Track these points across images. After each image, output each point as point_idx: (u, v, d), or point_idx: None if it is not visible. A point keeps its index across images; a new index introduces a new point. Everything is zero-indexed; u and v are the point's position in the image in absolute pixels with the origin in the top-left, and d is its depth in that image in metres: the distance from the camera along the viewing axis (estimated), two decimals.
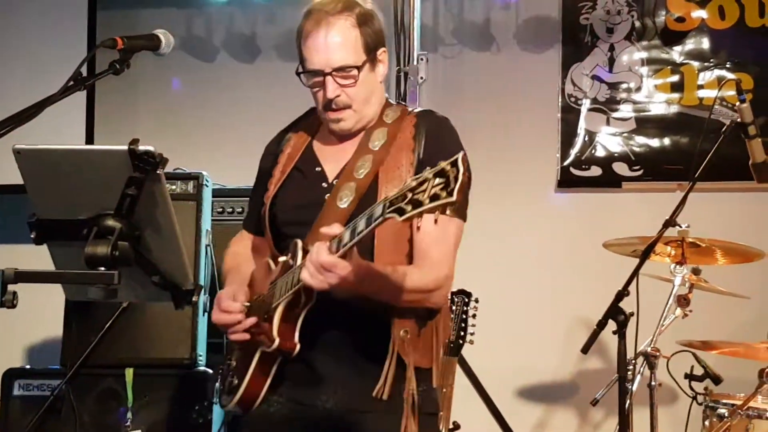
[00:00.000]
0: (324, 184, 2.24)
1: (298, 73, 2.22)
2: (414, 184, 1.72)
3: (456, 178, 1.63)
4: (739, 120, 2.89)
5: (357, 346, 2.14)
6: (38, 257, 1.97)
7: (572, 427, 4.27)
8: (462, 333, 3.09)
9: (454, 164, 1.64)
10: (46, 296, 2.72)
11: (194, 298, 1.94)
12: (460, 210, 2.08)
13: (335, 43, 2.13)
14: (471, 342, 3.18)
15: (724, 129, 2.96)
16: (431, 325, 2.21)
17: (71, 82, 1.88)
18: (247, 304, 2.22)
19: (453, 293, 3.04)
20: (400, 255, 2.11)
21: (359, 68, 2.14)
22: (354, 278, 1.91)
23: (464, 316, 3.11)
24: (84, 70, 1.91)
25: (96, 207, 1.73)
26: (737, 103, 2.90)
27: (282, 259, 2.19)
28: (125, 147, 1.72)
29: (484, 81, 4.45)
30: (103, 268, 1.63)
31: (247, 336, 2.16)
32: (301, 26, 2.19)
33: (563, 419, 4.25)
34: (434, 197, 1.64)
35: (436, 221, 1.70)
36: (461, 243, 2.25)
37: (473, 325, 3.13)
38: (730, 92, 3.86)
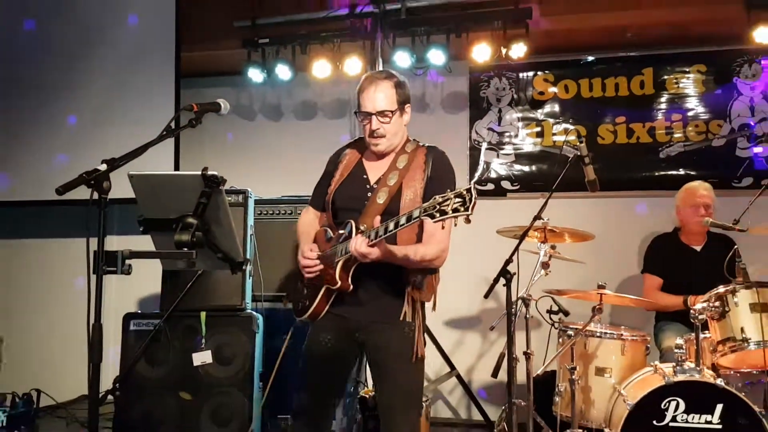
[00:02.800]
0: (368, 186, 2.59)
1: (355, 113, 2.64)
2: (440, 200, 2.10)
3: (471, 199, 2.04)
4: (579, 154, 3.47)
5: (385, 289, 2.51)
6: (144, 243, 2.25)
7: (478, 344, 5.04)
8: None
9: (469, 191, 2.06)
10: (150, 268, 2.89)
11: (244, 267, 2.47)
12: None
13: (380, 96, 2.55)
14: None
15: (570, 159, 3.48)
16: (431, 278, 2.59)
17: (164, 132, 2.20)
18: (319, 254, 2.58)
19: None
20: (412, 235, 2.50)
21: (392, 113, 2.56)
22: (382, 257, 2.35)
23: None
24: (172, 125, 2.24)
25: (180, 210, 1.95)
26: (578, 144, 3.47)
27: (340, 231, 2.52)
28: (199, 172, 2.00)
29: (421, 131, 4.52)
30: (185, 249, 1.83)
31: (318, 274, 2.54)
32: (361, 84, 2.61)
33: (473, 339, 5.05)
34: (455, 210, 2.05)
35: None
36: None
37: None
38: (572, 137, 4.82)
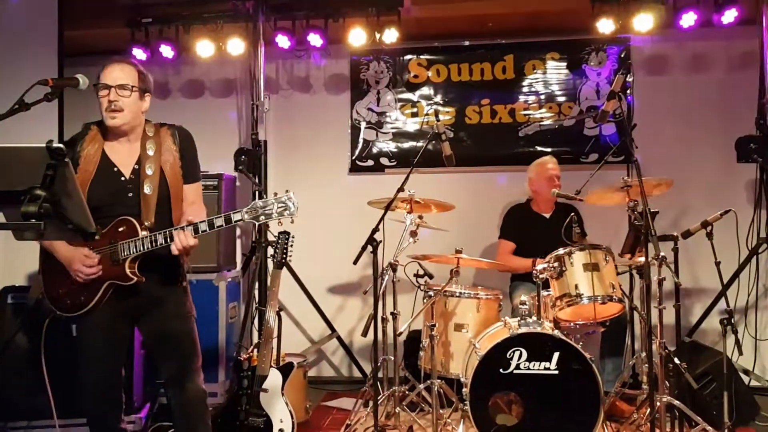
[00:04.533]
0: (122, 179, 2.57)
1: (95, 85, 2.47)
2: (261, 204, 2.32)
3: (294, 204, 2.31)
4: (437, 131, 3.61)
5: (163, 271, 2.59)
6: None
7: (358, 308, 5.17)
8: (284, 255, 3.45)
9: (290, 198, 2.32)
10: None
11: (96, 237, 2.16)
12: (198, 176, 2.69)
13: (121, 73, 2.51)
14: (290, 261, 3.60)
15: (429, 136, 3.68)
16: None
17: (16, 106, 2.12)
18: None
19: (279, 233, 3.45)
20: (181, 202, 2.62)
21: (132, 88, 2.51)
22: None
23: (285, 246, 3.45)
24: (26, 99, 2.14)
25: (28, 182, 1.84)
26: (436, 122, 3.66)
27: (120, 229, 2.51)
28: (44, 144, 1.85)
29: (305, 111, 5.34)
30: (33, 221, 1.77)
31: (99, 273, 2.49)
32: (104, 68, 2.53)
33: (353, 303, 5.18)
34: (280, 213, 2.33)
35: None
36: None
37: (291, 251, 3.50)
38: (444, 117, 5.10)
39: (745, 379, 4.50)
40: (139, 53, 4.94)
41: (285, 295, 5.11)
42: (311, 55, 5.26)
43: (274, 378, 3.26)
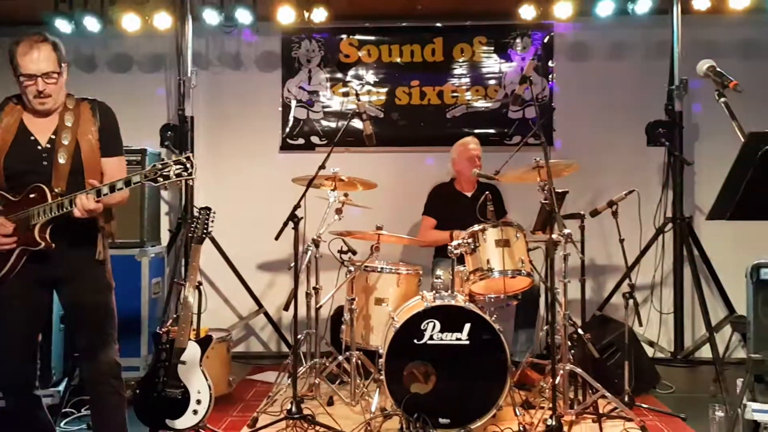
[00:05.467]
0: (39, 147, 2.57)
1: (18, 76, 2.49)
2: (160, 166, 2.33)
3: (192, 165, 2.32)
4: (358, 111, 3.80)
5: (79, 237, 2.59)
6: None
7: (287, 282, 4.99)
8: (204, 231, 3.35)
9: (188, 159, 2.33)
10: None
11: None
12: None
13: (44, 58, 2.47)
14: (211, 235, 3.58)
15: (350, 115, 3.92)
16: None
17: None
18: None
19: (200, 208, 3.39)
20: (97, 175, 2.58)
21: (58, 74, 2.52)
22: (102, 209, 2.49)
23: (206, 221, 3.36)
24: None
25: None
26: (357, 102, 3.85)
27: (31, 196, 2.51)
28: None
29: (236, 88, 5.31)
30: None
31: (14, 241, 2.51)
32: (19, 48, 2.48)
33: (282, 279, 5.16)
34: (179, 175, 2.33)
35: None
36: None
37: (212, 226, 3.39)
38: (375, 98, 5.21)
39: (650, 350, 4.79)
40: (63, 25, 4.82)
41: (214, 272, 5.19)
42: (242, 31, 5.21)
43: (192, 350, 3.26)
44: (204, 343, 3.34)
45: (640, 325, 4.01)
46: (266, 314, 5.06)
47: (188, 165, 2.32)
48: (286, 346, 5.05)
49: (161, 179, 2.33)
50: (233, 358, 4.37)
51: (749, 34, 5.13)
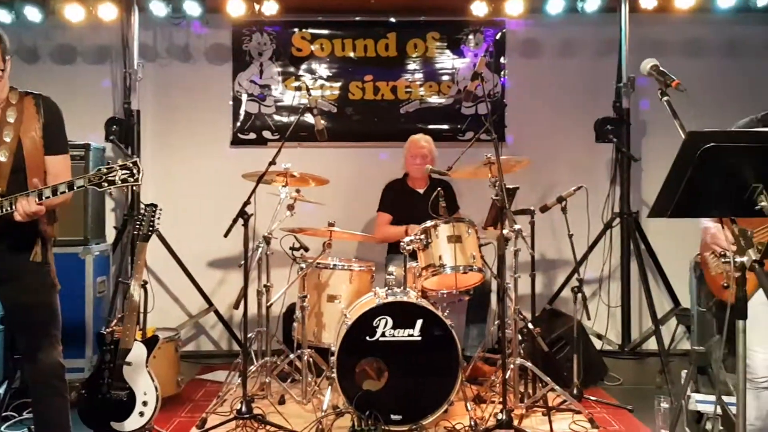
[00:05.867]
0: None
1: None
2: (105, 170, 2.31)
3: (139, 171, 2.28)
4: (309, 105, 3.69)
5: (17, 240, 2.52)
6: None
7: (238, 280, 4.16)
8: (150, 228, 3.30)
9: (135, 164, 2.30)
10: None
11: None
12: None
13: None
14: (159, 232, 3.75)
15: (301, 110, 3.92)
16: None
17: None
18: None
19: (146, 205, 3.36)
20: (40, 173, 2.51)
21: (3, 71, 2.47)
22: (45, 211, 2.44)
23: (152, 218, 3.32)
24: None
25: None
26: (308, 96, 3.75)
27: None
28: None
29: (185, 81, 5.19)
30: None
31: None
32: None
33: (234, 277, 5.04)
34: (125, 180, 2.31)
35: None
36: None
37: (158, 223, 3.37)
38: (328, 92, 5.17)
39: (599, 343, 4.88)
40: (2, 15, 4.67)
41: (163, 269, 5.08)
42: (191, 23, 5.12)
43: (138, 351, 3.20)
44: (150, 343, 3.27)
45: (589, 318, 4.08)
46: (216, 312, 4.98)
47: (135, 170, 2.28)
48: (237, 344, 4.97)
49: (106, 184, 2.28)
50: (183, 357, 4.28)
51: (695, 33, 5.25)
